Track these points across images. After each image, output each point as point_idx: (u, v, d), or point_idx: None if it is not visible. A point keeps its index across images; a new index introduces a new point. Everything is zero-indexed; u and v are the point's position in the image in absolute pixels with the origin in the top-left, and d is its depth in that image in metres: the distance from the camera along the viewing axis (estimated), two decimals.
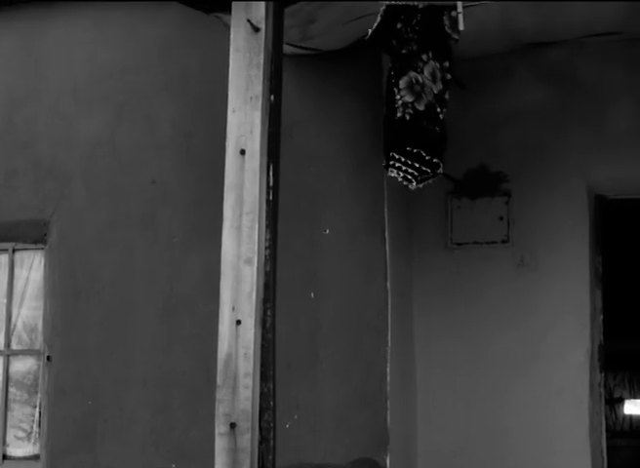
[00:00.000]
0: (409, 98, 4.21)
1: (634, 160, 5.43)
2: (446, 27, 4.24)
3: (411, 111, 4.22)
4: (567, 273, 5.42)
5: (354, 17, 4.64)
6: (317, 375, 5.11)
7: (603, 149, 5.47)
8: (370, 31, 4.26)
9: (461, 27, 4.20)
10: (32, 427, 5.76)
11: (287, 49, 4.73)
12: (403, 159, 4.31)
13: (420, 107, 4.23)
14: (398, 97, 4.23)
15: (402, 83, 4.21)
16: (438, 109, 4.30)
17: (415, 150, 4.27)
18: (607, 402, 6.51)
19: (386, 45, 4.26)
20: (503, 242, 5.52)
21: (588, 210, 5.48)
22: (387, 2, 4.23)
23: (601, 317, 5.54)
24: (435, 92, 4.29)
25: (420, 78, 4.22)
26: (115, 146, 5.63)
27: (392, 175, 4.40)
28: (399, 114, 4.21)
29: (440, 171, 4.41)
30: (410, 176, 4.47)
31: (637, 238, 9.49)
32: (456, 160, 5.21)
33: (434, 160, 4.30)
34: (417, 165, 4.35)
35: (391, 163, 4.33)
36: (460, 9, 4.15)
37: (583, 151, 5.48)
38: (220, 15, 4.46)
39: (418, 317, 5.63)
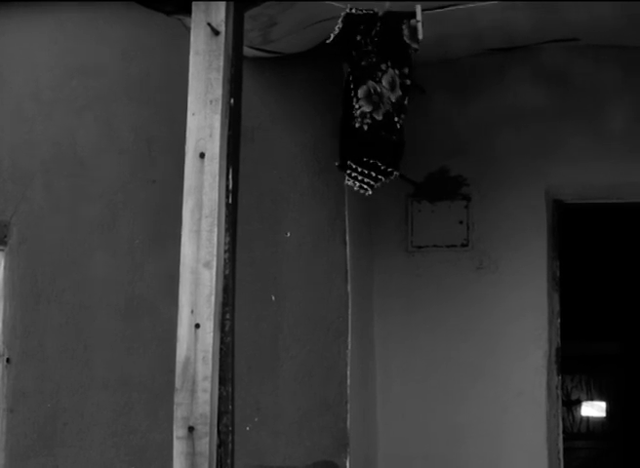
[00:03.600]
0: (367, 109, 4.19)
1: (591, 164, 5.50)
2: (405, 37, 4.24)
3: (369, 121, 4.20)
4: (525, 277, 5.48)
5: (315, 20, 4.65)
6: (278, 378, 5.12)
7: (561, 154, 5.52)
8: (332, 35, 4.26)
9: (421, 36, 4.19)
10: None
11: (248, 52, 4.74)
12: (360, 169, 4.29)
13: (379, 117, 4.21)
14: (357, 106, 4.21)
15: (360, 92, 4.20)
16: (396, 118, 4.28)
17: (372, 161, 4.27)
18: (564, 404, 6.58)
19: (346, 55, 4.26)
20: (463, 245, 5.56)
21: (546, 214, 5.54)
22: (349, 3, 4.23)
23: (559, 320, 5.60)
24: (393, 100, 4.26)
25: (378, 88, 4.20)
26: (76, 149, 5.60)
27: (349, 183, 4.38)
28: (357, 124, 4.19)
29: (396, 174, 4.41)
30: (366, 185, 4.46)
31: (594, 242, 9.59)
32: (416, 163, 5.25)
33: (389, 169, 4.31)
34: (373, 174, 4.33)
35: (348, 172, 4.30)
36: (419, 17, 4.15)
37: (542, 156, 5.54)
38: (181, 17, 4.45)
39: (378, 320, 5.65)
